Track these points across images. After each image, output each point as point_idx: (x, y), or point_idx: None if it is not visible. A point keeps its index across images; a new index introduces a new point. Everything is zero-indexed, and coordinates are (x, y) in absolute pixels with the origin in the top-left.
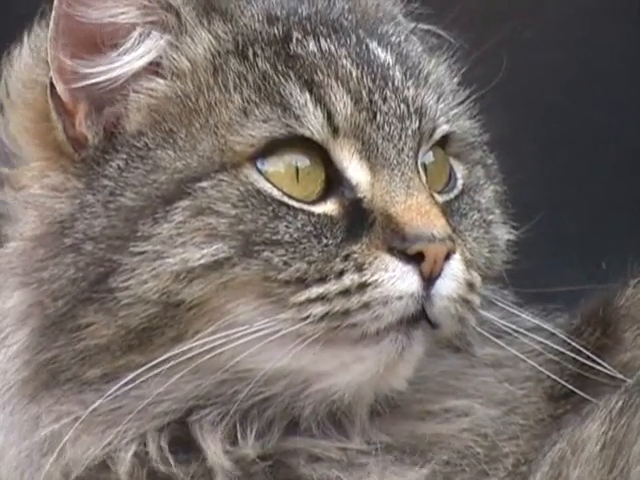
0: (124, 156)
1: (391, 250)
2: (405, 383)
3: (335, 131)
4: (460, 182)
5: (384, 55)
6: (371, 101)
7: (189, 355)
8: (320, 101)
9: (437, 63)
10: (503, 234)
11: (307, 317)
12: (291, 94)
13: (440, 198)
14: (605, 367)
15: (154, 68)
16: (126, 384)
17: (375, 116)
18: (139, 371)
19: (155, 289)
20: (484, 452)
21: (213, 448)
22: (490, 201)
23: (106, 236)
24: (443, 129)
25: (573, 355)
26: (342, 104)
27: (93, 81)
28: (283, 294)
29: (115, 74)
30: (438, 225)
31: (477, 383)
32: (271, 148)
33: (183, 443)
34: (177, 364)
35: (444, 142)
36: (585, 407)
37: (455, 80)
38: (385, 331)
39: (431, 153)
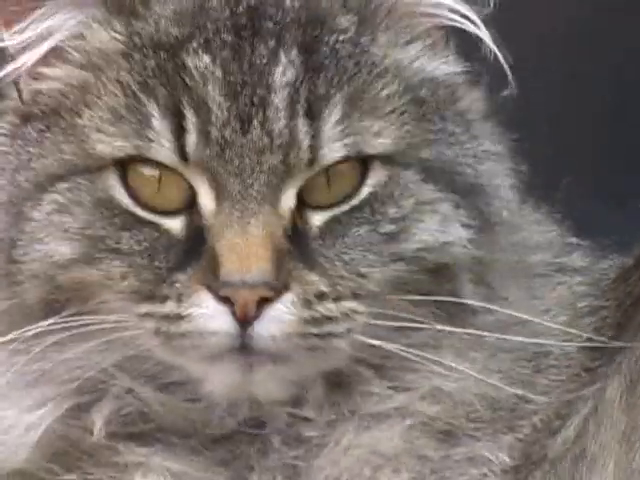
0: (25, 135)
1: (208, 287)
2: (282, 393)
3: (186, 159)
4: (366, 190)
5: (283, 72)
6: (222, 135)
7: (85, 325)
8: (176, 128)
9: (395, 58)
10: (443, 235)
11: (143, 327)
12: (151, 116)
13: (320, 218)
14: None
15: (55, 54)
16: (26, 333)
17: (224, 150)
18: (39, 324)
19: (40, 270)
20: (493, 415)
21: (100, 410)
22: (410, 208)
23: (8, 208)
24: (335, 155)
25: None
26: (191, 136)
27: (17, 56)
28: (127, 301)
29: (21, 54)
30: (253, 271)
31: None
32: (134, 157)
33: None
34: (86, 335)
35: (355, 157)
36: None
37: (419, 73)
38: (217, 357)
39: (336, 167)
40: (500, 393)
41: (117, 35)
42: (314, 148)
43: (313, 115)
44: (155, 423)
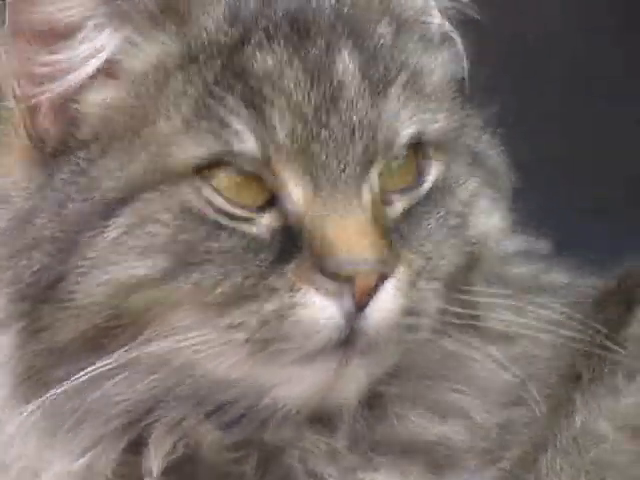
0: (69, 167)
1: (315, 279)
2: (357, 394)
3: (275, 151)
4: (431, 180)
5: (347, 63)
6: (313, 122)
7: (138, 358)
8: (258, 122)
9: (429, 54)
10: (489, 224)
11: (232, 339)
12: (232, 110)
13: (400, 203)
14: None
15: (103, 74)
16: (74, 381)
17: (316, 138)
18: (89, 369)
19: (97, 300)
20: (484, 445)
21: (153, 452)
22: (468, 195)
23: (53, 245)
24: (407, 137)
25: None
26: (282, 125)
27: (48, 80)
28: (211, 314)
29: (66, 74)
30: (370, 251)
31: (477, 371)
32: (212, 164)
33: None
34: (131, 366)
35: (416, 143)
36: (593, 388)
37: (448, 69)
38: (316, 354)
39: (404, 154)
40: (499, 418)
41: (170, 45)
42: (390, 131)
43: (383, 98)
44: (194, 460)
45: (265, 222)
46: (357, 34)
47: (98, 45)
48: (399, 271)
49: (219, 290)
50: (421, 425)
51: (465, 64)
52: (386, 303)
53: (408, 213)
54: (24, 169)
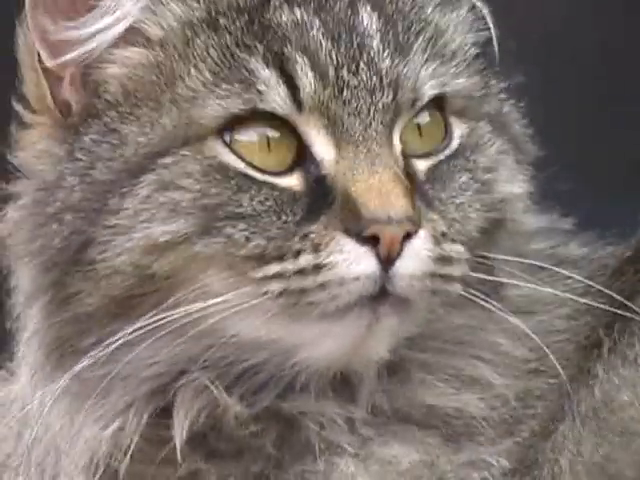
0: (97, 128)
1: (348, 231)
2: (386, 353)
3: (300, 107)
4: (456, 142)
5: (369, 21)
6: (338, 76)
7: (169, 321)
8: (285, 76)
9: (447, 18)
10: (512, 189)
11: (266, 292)
12: (256, 68)
13: (423, 163)
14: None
15: (129, 35)
16: (108, 346)
17: (342, 91)
18: (120, 334)
19: (128, 262)
20: (501, 416)
21: (181, 416)
22: (493, 158)
23: (82, 208)
24: (429, 94)
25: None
26: (307, 80)
27: (73, 48)
28: (244, 269)
29: (91, 40)
30: (397, 206)
31: (496, 340)
32: (239, 121)
33: (162, 414)
34: (161, 330)
35: (440, 102)
36: (612, 358)
37: (468, 35)
38: (348, 308)
39: (426, 113)
40: (517, 388)
41: (196, 4)
42: (415, 86)
43: (406, 56)
44: (215, 430)
45: (293, 178)
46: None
47: (119, 9)
48: (424, 230)
49: (253, 243)
50: (442, 393)
51: (492, 30)
52: (415, 257)
53: (433, 173)
54: (49, 140)
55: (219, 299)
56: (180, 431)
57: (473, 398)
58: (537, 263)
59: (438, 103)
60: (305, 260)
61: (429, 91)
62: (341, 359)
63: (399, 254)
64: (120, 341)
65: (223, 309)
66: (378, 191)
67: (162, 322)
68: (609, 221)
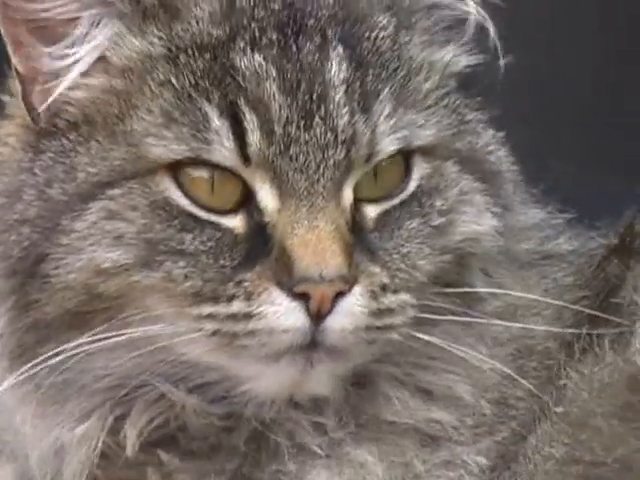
0: (56, 147)
1: (280, 284)
2: (328, 390)
3: (247, 160)
4: (413, 185)
5: (337, 69)
6: (286, 132)
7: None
8: (236, 129)
9: (427, 54)
10: (478, 227)
11: (201, 329)
12: (210, 115)
13: (374, 210)
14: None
15: (95, 62)
16: (58, 355)
17: (288, 148)
18: (72, 344)
19: (78, 280)
20: (477, 420)
21: (128, 427)
22: (454, 199)
23: (38, 224)
24: (388, 150)
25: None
26: (254, 137)
27: (42, 64)
28: (183, 304)
29: (61, 65)
30: (331, 265)
31: (468, 358)
32: (191, 159)
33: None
34: (113, 344)
35: (404, 150)
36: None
37: (451, 65)
38: (279, 355)
39: (386, 159)
40: (499, 394)
41: (156, 40)
42: (372, 143)
43: (367, 110)
44: (184, 431)
45: (235, 222)
46: (350, 37)
47: (90, 40)
48: (361, 285)
49: (190, 282)
50: (408, 407)
51: (500, 56)
52: (347, 314)
53: (383, 219)
54: (19, 141)
55: (161, 326)
56: (130, 441)
57: (441, 411)
58: (511, 292)
59: (403, 150)
60: (237, 307)
61: (388, 147)
62: (284, 394)
63: (330, 311)
64: (74, 351)
65: (167, 335)
66: (314, 247)
67: (112, 340)
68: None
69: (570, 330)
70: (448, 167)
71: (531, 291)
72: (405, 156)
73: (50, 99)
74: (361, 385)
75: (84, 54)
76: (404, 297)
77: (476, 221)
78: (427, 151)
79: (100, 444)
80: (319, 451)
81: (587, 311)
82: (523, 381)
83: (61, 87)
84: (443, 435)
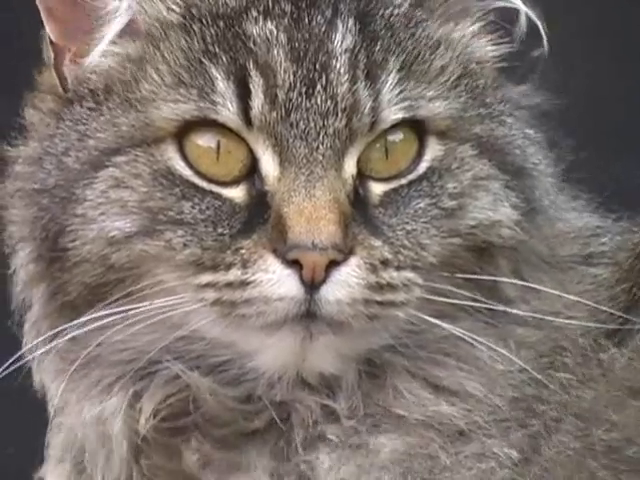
0: (74, 115)
1: (275, 251)
2: (333, 367)
3: (250, 124)
4: (424, 166)
5: (341, 39)
6: (288, 98)
7: (135, 313)
8: (242, 92)
9: (443, 31)
10: (493, 215)
11: (202, 299)
12: (216, 78)
13: (380, 187)
14: None
15: (123, 28)
16: (82, 326)
17: (289, 114)
18: (91, 316)
19: (93, 251)
20: (494, 418)
21: (144, 404)
22: (467, 183)
23: (55, 194)
24: (393, 118)
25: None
26: (257, 99)
27: (75, 32)
28: (185, 273)
29: (94, 32)
30: (324, 233)
31: (484, 357)
32: (192, 126)
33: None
34: (130, 318)
35: (418, 123)
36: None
37: (474, 51)
38: (277, 324)
39: (400, 135)
40: (519, 393)
41: (174, 7)
42: (375, 111)
43: (372, 79)
44: (200, 412)
45: (237, 191)
46: (362, 11)
47: (116, 8)
48: (357, 257)
49: (189, 250)
50: (416, 402)
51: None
52: (342, 284)
53: (389, 197)
54: (48, 108)
55: (168, 298)
56: (145, 415)
57: (450, 407)
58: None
59: (416, 124)
60: (234, 275)
61: (392, 115)
62: (289, 369)
63: (324, 280)
64: (95, 324)
65: (173, 307)
66: (309, 215)
67: (130, 312)
68: None
69: (604, 326)
70: (464, 150)
71: (568, 293)
72: (419, 137)
73: (81, 68)
74: (371, 375)
75: (116, 20)
76: (408, 275)
77: (492, 208)
78: (442, 133)
79: (118, 422)
80: (334, 439)
81: (617, 314)
82: (546, 381)
83: (94, 55)
84: (471, 429)
